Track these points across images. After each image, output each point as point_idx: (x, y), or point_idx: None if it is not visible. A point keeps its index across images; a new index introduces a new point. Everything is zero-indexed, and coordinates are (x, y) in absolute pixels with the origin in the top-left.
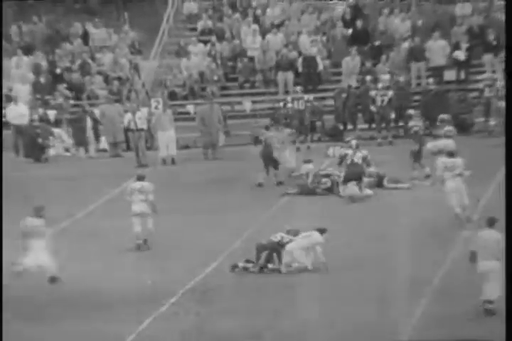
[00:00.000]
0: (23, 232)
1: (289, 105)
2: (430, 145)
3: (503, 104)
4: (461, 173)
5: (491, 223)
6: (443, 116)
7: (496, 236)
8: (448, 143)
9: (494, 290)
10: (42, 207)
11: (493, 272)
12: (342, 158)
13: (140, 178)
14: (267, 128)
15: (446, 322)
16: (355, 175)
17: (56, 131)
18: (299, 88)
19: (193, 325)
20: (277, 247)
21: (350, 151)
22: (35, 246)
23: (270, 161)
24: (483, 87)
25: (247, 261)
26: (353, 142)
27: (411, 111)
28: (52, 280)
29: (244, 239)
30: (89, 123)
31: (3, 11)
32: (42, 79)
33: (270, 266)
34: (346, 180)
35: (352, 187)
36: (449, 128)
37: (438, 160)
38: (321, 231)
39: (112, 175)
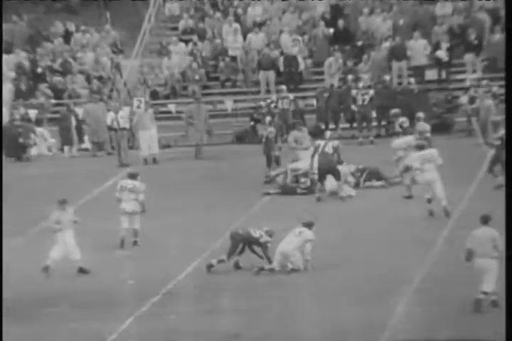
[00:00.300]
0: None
1: (274, 104)
2: (397, 142)
3: (488, 102)
4: (440, 164)
5: (484, 221)
6: (419, 114)
7: (492, 233)
8: (409, 139)
9: (489, 285)
10: (64, 200)
11: (487, 270)
12: (315, 149)
13: (132, 176)
14: (270, 123)
15: (427, 322)
16: (326, 165)
17: (39, 130)
18: (283, 87)
19: (175, 325)
20: (253, 241)
21: (322, 142)
22: (63, 238)
23: (271, 157)
24: (469, 86)
25: (220, 261)
26: (327, 133)
27: (396, 110)
28: (82, 271)
29: (226, 238)
30: (73, 122)
31: None
32: (23, 82)
33: (266, 267)
34: (321, 173)
35: (330, 183)
36: (423, 125)
37: (413, 154)
38: (309, 225)
39: (94, 175)
